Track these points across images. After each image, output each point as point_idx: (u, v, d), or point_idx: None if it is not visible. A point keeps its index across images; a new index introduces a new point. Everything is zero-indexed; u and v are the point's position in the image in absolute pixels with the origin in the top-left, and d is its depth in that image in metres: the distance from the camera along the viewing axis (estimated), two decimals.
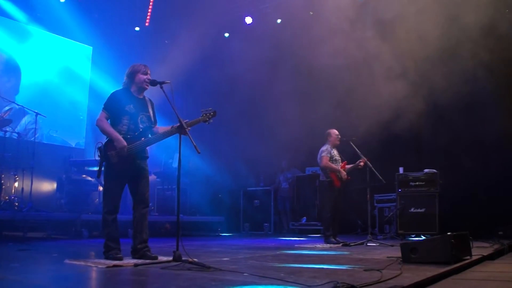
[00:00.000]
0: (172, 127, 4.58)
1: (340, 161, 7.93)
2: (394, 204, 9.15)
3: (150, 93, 4.93)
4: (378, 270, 3.64)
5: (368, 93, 8.61)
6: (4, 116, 9.27)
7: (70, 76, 12.00)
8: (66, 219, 8.39)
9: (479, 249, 5.59)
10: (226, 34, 12.42)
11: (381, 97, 8.21)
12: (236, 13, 11.86)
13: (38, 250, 5.85)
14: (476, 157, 9.00)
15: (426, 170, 8.78)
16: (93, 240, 7.61)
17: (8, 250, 5.76)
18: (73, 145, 12.24)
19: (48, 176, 10.50)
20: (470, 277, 4.02)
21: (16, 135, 8.97)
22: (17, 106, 9.97)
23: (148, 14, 12.17)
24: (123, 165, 4.53)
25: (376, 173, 7.51)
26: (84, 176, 9.65)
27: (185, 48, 10.95)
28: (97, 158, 4.61)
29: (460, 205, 8.79)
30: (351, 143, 7.78)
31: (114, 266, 4.05)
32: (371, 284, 3.02)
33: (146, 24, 12.32)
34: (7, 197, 8.36)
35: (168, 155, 11.05)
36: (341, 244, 7.35)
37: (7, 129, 8.78)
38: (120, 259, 4.34)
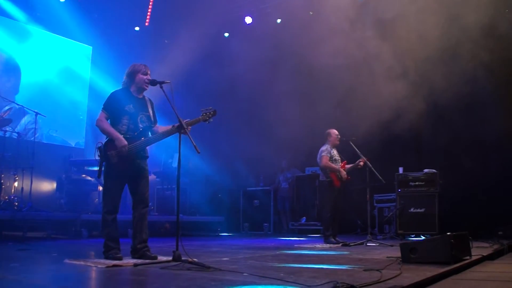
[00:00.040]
0: (172, 127, 4.58)
1: (340, 161, 7.93)
2: (393, 204, 9.15)
3: (150, 93, 4.93)
4: (377, 270, 3.64)
5: (368, 93, 8.61)
6: (4, 116, 9.27)
7: (70, 76, 12.01)
8: (66, 219, 8.39)
9: (478, 249, 5.59)
10: (226, 34, 12.42)
11: (381, 97, 8.21)
12: (236, 13, 11.86)
13: (37, 250, 5.85)
14: (476, 157, 9.00)
15: (425, 170, 8.78)
16: (93, 240, 7.61)
17: (7, 250, 5.76)
18: (73, 145, 12.24)
19: (48, 176, 10.50)
20: (470, 277, 4.02)
21: (16, 134, 8.96)
22: (17, 106, 9.97)
23: (148, 14, 12.17)
24: (123, 165, 4.53)
25: (376, 173, 7.51)
26: (84, 176, 9.65)
27: (185, 48, 10.95)
28: (97, 158, 4.61)
29: (460, 205, 8.79)
30: (351, 143, 7.78)
31: (114, 266, 4.05)
32: (370, 284, 3.02)
33: (146, 24, 12.32)
34: (6, 197, 8.35)
35: (168, 155, 11.05)
36: (340, 244, 7.35)
37: (7, 129, 8.78)
38: (120, 259, 4.34)
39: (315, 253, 5.93)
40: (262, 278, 3.33)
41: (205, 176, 11.69)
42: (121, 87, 4.82)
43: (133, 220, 4.64)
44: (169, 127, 4.64)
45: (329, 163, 7.74)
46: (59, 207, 9.31)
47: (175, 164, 10.16)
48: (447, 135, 9.17)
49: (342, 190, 7.91)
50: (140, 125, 4.68)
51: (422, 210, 8.54)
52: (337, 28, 8.63)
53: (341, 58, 8.48)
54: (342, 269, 4.05)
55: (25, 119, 10.56)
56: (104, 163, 4.57)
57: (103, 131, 4.62)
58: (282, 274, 3.54)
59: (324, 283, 2.99)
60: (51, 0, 10.87)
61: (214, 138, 11.32)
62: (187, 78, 11.55)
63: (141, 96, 4.83)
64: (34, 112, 9.05)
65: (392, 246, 6.73)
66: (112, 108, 4.64)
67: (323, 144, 7.98)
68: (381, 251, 5.98)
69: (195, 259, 4.06)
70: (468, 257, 4.70)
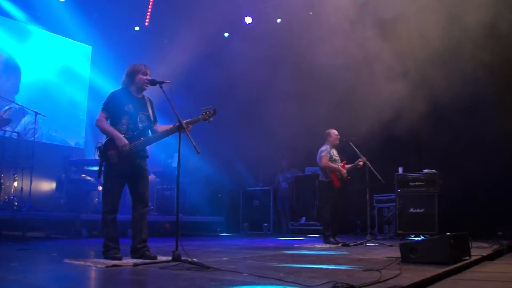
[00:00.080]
0: (173, 126, 4.57)
1: (339, 161, 7.93)
2: (393, 204, 9.15)
3: (150, 92, 4.93)
4: (377, 270, 3.64)
5: (368, 93, 8.61)
6: (3, 116, 9.27)
7: (70, 75, 12.00)
8: (66, 219, 8.39)
9: (478, 250, 5.59)
10: (226, 34, 12.42)
11: (381, 97, 8.21)
12: (236, 12, 11.85)
13: (37, 249, 5.85)
14: (476, 157, 9.00)
15: (425, 170, 8.78)
16: (93, 240, 7.61)
17: (7, 250, 5.76)
18: (73, 145, 12.24)
19: (48, 175, 10.49)
20: (469, 277, 4.02)
21: (15, 134, 8.96)
22: (17, 106, 9.97)
23: (148, 13, 12.16)
24: (123, 164, 4.53)
25: (376, 173, 7.51)
26: (83, 175, 9.65)
27: (185, 47, 10.95)
28: (97, 157, 4.61)
29: (459, 205, 8.79)
30: (351, 143, 7.78)
31: (114, 265, 4.05)
32: (370, 284, 3.02)
33: (146, 23, 12.31)
34: (6, 197, 8.35)
35: (167, 155, 11.04)
36: (340, 244, 7.35)
37: (7, 129, 8.78)
38: (119, 258, 4.34)
39: (314, 253, 5.93)
40: (262, 278, 3.33)
41: (205, 176, 11.68)
42: (120, 87, 4.82)
43: (133, 220, 4.64)
44: (169, 126, 4.65)
45: (329, 163, 7.74)
46: (58, 207, 9.31)
47: (174, 164, 10.15)
48: (447, 135, 9.16)
49: (342, 190, 7.91)
50: (140, 125, 4.68)
51: (422, 210, 8.54)
52: (337, 28, 8.64)
53: (341, 58, 8.47)
54: (341, 269, 4.05)
55: (25, 119, 10.55)
56: (104, 163, 4.57)
57: (103, 131, 4.62)
58: (281, 274, 3.54)
59: (324, 283, 2.99)
60: None
61: (214, 138, 11.33)
62: (187, 78, 11.54)
63: (140, 96, 4.83)
64: (34, 112, 9.05)
65: (391, 246, 6.73)
66: (111, 108, 4.64)
67: (322, 144, 7.98)
68: (381, 251, 5.98)
69: (194, 259, 4.06)
70: (467, 257, 4.70)
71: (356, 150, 7.72)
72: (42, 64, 11.50)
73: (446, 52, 8.16)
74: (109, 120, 4.67)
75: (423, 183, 8.70)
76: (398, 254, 4.57)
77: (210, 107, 4.65)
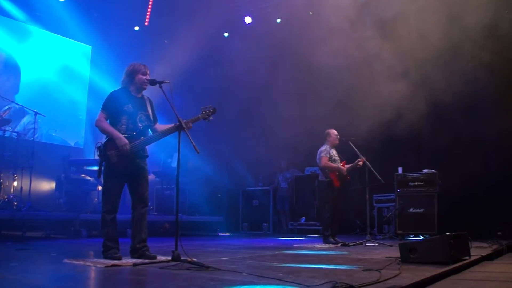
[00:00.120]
0: (173, 125, 4.58)
1: (339, 161, 7.93)
2: (393, 204, 9.15)
3: (150, 92, 4.93)
4: (377, 270, 3.64)
5: (368, 93, 8.60)
6: (3, 116, 9.27)
7: (69, 75, 11.99)
8: (65, 219, 8.39)
9: (478, 249, 5.59)
10: (226, 34, 12.42)
11: (381, 97, 8.21)
12: (236, 12, 11.85)
13: (37, 249, 5.84)
14: (476, 157, 9.00)
15: (425, 170, 8.78)
16: (92, 240, 7.61)
17: (7, 250, 5.76)
18: (72, 145, 12.23)
19: (47, 175, 10.49)
20: (469, 277, 4.02)
21: (15, 134, 8.96)
22: (17, 106, 9.96)
23: (148, 13, 12.16)
24: (122, 164, 4.53)
25: (375, 173, 7.50)
26: (83, 175, 9.65)
27: (185, 47, 10.95)
28: (97, 157, 4.61)
29: (459, 205, 8.79)
30: (350, 143, 7.78)
31: (113, 265, 4.05)
32: (369, 284, 3.01)
33: (146, 23, 12.31)
34: (6, 197, 8.35)
35: (167, 155, 11.05)
36: (340, 244, 7.35)
37: (7, 129, 8.78)
38: (119, 258, 4.34)
39: (314, 253, 5.93)
40: (261, 278, 3.33)
41: (205, 176, 11.69)
42: (120, 87, 4.82)
43: (133, 220, 4.64)
44: (169, 125, 4.65)
45: (329, 163, 7.74)
46: (58, 206, 9.31)
47: (174, 164, 10.14)
48: (447, 135, 9.16)
49: (341, 190, 7.91)
50: (139, 124, 4.68)
51: (421, 210, 8.54)
52: (337, 28, 8.63)
53: (341, 58, 8.47)
54: (341, 269, 4.05)
55: (24, 119, 10.55)
56: (103, 163, 4.57)
57: (103, 131, 4.62)
58: (281, 274, 3.53)
59: (323, 283, 2.99)
60: None
61: (213, 138, 11.33)
62: (187, 77, 11.54)
63: (140, 96, 4.83)
64: (33, 111, 9.05)
65: (391, 246, 6.73)
66: (111, 108, 4.65)
67: (322, 144, 7.98)
68: (380, 251, 5.98)
69: (194, 259, 4.06)
70: (467, 257, 4.70)
71: (356, 150, 7.72)
72: (41, 64, 11.50)
73: (446, 52, 8.16)
74: (108, 120, 4.67)
75: (422, 183, 8.70)
76: (398, 254, 4.57)
77: (210, 106, 4.66)
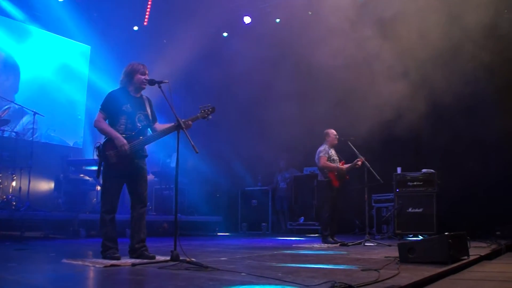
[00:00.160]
0: (172, 125, 4.57)
1: (338, 160, 7.93)
2: (392, 204, 9.14)
3: (149, 92, 4.92)
4: (375, 270, 3.64)
5: (367, 93, 8.60)
6: (2, 116, 9.26)
7: (68, 75, 11.98)
8: (64, 219, 8.38)
9: (476, 249, 5.59)
10: (225, 34, 12.41)
11: (381, 97, 8.21)
12: (235, 12, 11.84)
13: (35, 249, 5.84)
14: (476, 157, 9.00)
15: (424, 170, 8.78)
16: (91, 240, 7.61)
17: (5, 250, 5.75)
18: (71, 145, 12.22)
19: (46, 175, 10.49)
20: (468, 277, 4.03)
21: (14, 134, 8.96)
22: (16, 106, 9.95)
23: (147, 13, 12.16)
24: (121, 164, 4.53)
25: (374, 173, 7.50)
26: (81, 175, 9.65)
27: (184, 47, 10.95)
28: (96, 157, 4.61)
29: (458, 205, 8.79)
30: (349, 143, 7.78)
31: (112, 265, 4.04)
32: (368, 284, 3.01)
33: (145, 23, 12.30)
34: (4, 197, 8.35)
35: (166, 155, 11.05)
36: (338, 244, 7.35)
37: (6, 129, 8.77)
38: (118, 258, 4.33)
39: (313, 253, 5.93)
40: (260, 278, 3.32)
41: (203, 176, 11.69)
42: (119, 87, 4.82)
43: (131, 220, 4.63)
44: (169, 125, 4.64)
45: (327, 163, 7.74)
46: (57, 206, 9.30)
47: (173, 164, 10.15)
48: (447, 135, 9.16)
49: (340, 190, 7.91)
50: (138, 124, 4.67)
51: (420, 210, 8.55)
52: (337, 28, 8.62)
53: (341, 58, 8.46)
54: (340, 269, 4.05)
55: (24, 119, 10.54)
56: (102, 163, 4.56)
57: (102, 132, 4.62)
58: (280, 274, 3.53)
59: (322, 283, 2.99)
60: None
61: (212, 138, 11.33)
62: (186, 77, 11.54)
63: (138, 96, 4.82)
64: (32, 111, 9.03)
65: (390, 246, 6.73)
66: (109, 108, 4.64)
67: (321, 144, 7.98)
68: (379, 251, 5.98)
69: (193, 259, 4.06)
70: (466, 257, 4.71)
71: (355, 149, 7.72)
72: (40, 64, 11.48)
73: (446, 52, 8.16)
74: (107, 120, 4.66)
75: (421, 183, 8.71)
76: (397, 254, 4.57)
77: (209, 105, 4.65)
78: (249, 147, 10.61)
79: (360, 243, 7.24)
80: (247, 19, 11.81)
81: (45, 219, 8.20)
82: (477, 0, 7.73)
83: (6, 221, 7.44)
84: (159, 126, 4.83)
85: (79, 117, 12.48)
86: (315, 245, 7.26)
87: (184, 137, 4.30)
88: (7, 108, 10.23)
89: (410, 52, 8.24)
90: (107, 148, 4.53)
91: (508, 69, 8.52)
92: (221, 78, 11.50)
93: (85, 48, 12.60)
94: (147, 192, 4.76)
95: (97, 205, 8.85)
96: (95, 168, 4.63)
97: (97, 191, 9.41)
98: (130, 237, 4.64)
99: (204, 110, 4.63)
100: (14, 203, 8.20)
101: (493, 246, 6.20)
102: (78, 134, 12.46)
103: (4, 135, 8.71)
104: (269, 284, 3.11)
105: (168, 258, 4.13)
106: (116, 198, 4.61)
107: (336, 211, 7.85)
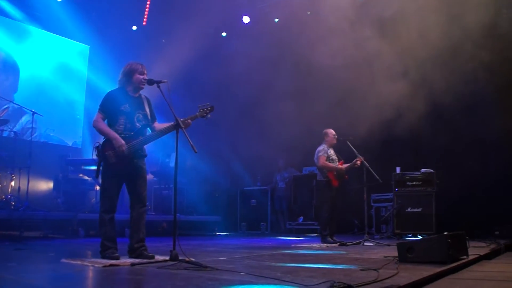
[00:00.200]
0: (171, 124, 4.56)
1: (337, 160, 7.93)
2: (391, 203, 9.14)
3: (148, 92, 4.92)
4: (374, 269, 3.64)
5: (367, 92, 8.60)
6: (1, 116, 9.25)
7: (67, 75, 11.98)
8: (63, 218, 8.37)
9: (475, 249, 5.60)
10: (224, 34, 12.41)
11: (380, 96, 8.21)
12: (234, 12, 11.84)
13: (34, 249, 5.83)
14: (476, 157, 9.00)
15: (423, 170, 8.78)
16: (90, 239, 7.60)
17: (4, 250, 5.75)
18: (70, 144, 12.21)
19: (45, 175, 10.47)
20: (467, 276, 4.03)
21: (13, 134, 8.95)
22: (15, 106, 9.94)
23: (146, 13, 12.15)
24: (120, 164, 4.52)
25: (373, 172, 7.50)
26: (80, 175, 9.64)
27: (182, 47, 10.94)
28: (95, 157, 4.60)
29: (457, 204, 8.79)
30: (348, 143, 7.78)
31: (111, 265, 4.03)
32: (367, 284, 3.01)
33: (144, 23, 12.30)
34: (3, 196, 8.34)
35: (165, 154, 11.04)
36: (338, 243, 7.35)
37: (5, 128, 8.76)
38: (117, 258, 4.33)
39: (312, 252, 5.93)
40: (259, 278, 3.32)
41: (203, 176, 11.69)
42: (117, 87, 4.81)
43: (131, 220, 4.63)
44: (168, 124, 4.63)
45: (326, 163, 7.74)
46: (56, 206, 9.29)
47: (172, 164, 10.15)
48: (447, 135, 9.16)
49: (339, 190, 7.91)
50: (137, 124, 4.66)
51: (419, 209, 8.55)
52: (336, 28, 8.62)
53: (340, 58, 8.46)
54: (339, 268, 4.05)
55: (23, 119, 10.53)
56: (102, 163, 4.56)
57: (100, 132, 4.62)
58: (279, 274, 3.53)
59: (321, 283, 2.99)
60: None
61: (211, 138, 11.32)
62: (185, 77, 11.53)
63: (137, 95, 4.81)
64: (31, 111, 9.02)
65: (389, 245, 6.73)
66: (108, 108, 4.63)
67: (320, 144, 7.98)
68: (378, 251, 5.98)
69: (192, 259, 4.05)
70: (465, 257, 4.71)
71: (354, 149, 7.72)
72: (39, 64, 11.48)
73: (446, 51, 8.15)
74: (106, 120, 4.65)
75: (420, 182, 8.71)
76: (396, 254, 4.57)
77: (208, 104, 4.64)
78: (248, 146, 10.60)
79: (359, 243, 7.25)
80: (246, 19, 11.81)
81: (44, 219, 8.18)
82: (477, 0, 7.73)
83: (5, 221, 7.43)
84: (158, 125, 4.83)
85: (78, 116, 12.48)
86: (314, 245, 7.26)
87: (183, 136, 4.29)
88: (6, 107, 10.22)
89: (410, 52, 8.24)
90: (106, 148, 4.52)
91: (507, 69, 8.52)
92: (220, 78, 11.49)
93: (84, 47, 12.59)
94: (146, 192, 4.75)
95: (96, 205, 8.85)
96: (94, 168, 4.64)
97: (96, 191, 9.40)
98: (129, 237, 4.63)
99: (203, 109, 4.62)
100: (13, 203, 8.19)
101: (492, 246, 6.20)
102: (77, 134, 12.46)
103: (3, 135, 8.71)
104: (268, 283, 3.11)
105: (167, 257, 4.13)
106: (115, 198, 4.60)
107: (335, 211, 7.85)
